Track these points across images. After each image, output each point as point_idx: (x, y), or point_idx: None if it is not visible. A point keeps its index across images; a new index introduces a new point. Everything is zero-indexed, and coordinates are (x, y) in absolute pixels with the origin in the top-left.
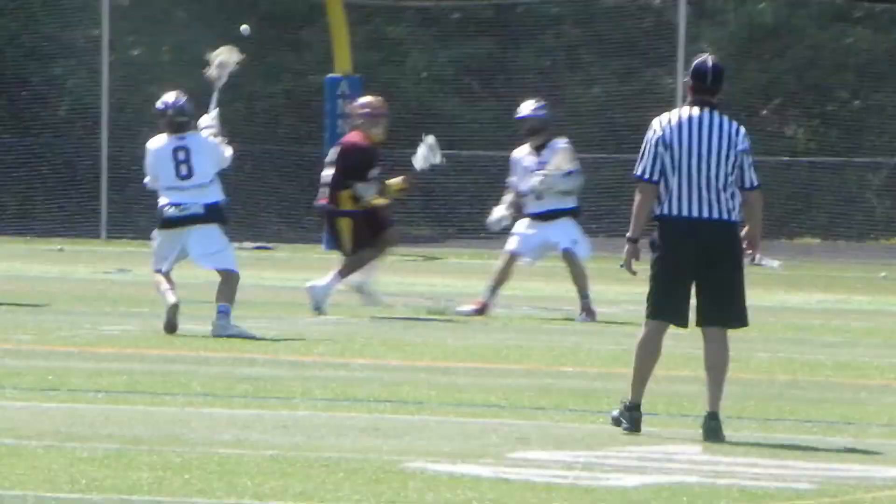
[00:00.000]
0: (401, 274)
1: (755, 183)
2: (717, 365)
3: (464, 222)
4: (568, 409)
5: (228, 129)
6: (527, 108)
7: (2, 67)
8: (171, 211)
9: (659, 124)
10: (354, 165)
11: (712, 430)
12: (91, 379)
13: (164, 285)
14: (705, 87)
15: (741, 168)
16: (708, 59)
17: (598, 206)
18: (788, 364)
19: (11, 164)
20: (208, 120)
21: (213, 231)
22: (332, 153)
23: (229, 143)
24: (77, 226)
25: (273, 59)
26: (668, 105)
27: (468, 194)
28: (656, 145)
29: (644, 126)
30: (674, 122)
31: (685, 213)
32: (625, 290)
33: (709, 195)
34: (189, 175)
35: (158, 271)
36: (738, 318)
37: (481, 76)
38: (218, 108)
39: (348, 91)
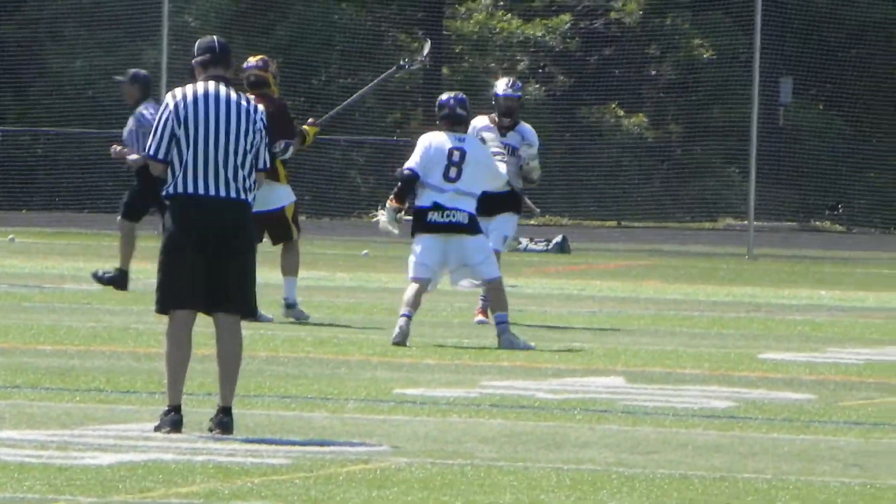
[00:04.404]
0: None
1: (267, 164)
2: (228, 356)
3: None
4: (43, 387)
5: None
6: (504, 86)
7: None
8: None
9: (172, 100)
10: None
11: (224, 425)
12: None
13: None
14: (216, 62)
15: (258, 147)
16: (212, 36)
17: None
18: (270, 340)
19: None
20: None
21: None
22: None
23: None
24: None
25: None
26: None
27: None
28: (170, 122)
29: None
30: (189, 97)
31: (201, 191)
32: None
33: (226, 173)
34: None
35: (417, 280)
36: (246, 306)
37: None
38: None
39: None
